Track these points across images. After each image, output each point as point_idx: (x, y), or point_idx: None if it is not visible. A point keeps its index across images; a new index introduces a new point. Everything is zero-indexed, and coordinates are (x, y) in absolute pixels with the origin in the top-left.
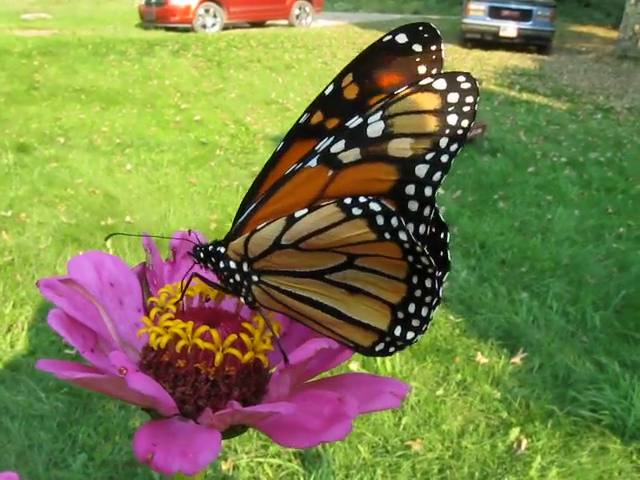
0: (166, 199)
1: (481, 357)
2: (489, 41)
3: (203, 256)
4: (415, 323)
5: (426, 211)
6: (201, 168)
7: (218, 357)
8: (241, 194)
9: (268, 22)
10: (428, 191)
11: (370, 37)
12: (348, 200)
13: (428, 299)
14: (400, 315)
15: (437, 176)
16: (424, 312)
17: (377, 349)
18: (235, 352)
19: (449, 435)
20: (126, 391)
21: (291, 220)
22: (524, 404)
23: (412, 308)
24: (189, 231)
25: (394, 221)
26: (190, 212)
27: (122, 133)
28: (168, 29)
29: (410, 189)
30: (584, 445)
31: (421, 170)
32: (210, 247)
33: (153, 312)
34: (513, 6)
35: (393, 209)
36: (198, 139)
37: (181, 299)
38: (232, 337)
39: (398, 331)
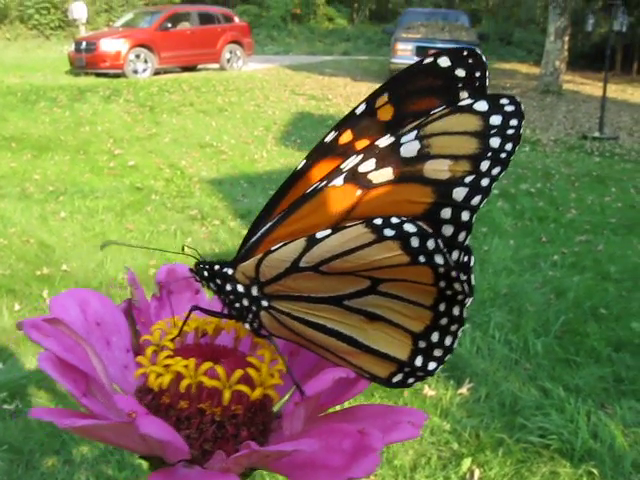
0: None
1: (428, 390)
2: None
3: (207, 275)
4: (437, 353)
5: (461, 236)
6: (137, 213)
7: (226, 395)
8: (179, 238)
9: (199, 66)
10: (465, 215)
11: (302, 78)
12: (379, 221)
13: (454, 328)
14: (422, 344)
15: (476, 200)
16: (448, 341)
17: (394, 380)
18: (244, 388)
19: (402, 470)
20: (129, 437)
21: (312, 241)
22: (474, 434)
23: (435, 337)
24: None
25: (430, 243)
26: (128, 258)
27: (55, 180)
28: (99, 75)
29: (446, 213)
30: (535, 471)
31: (459, 193)
32: (216, 267)
33: (149, 350)
34: (439, 45)
35: (429, 231)
36: (133, 184)
37: (179, 335)
38: (239, 373)
39: (419, 361)
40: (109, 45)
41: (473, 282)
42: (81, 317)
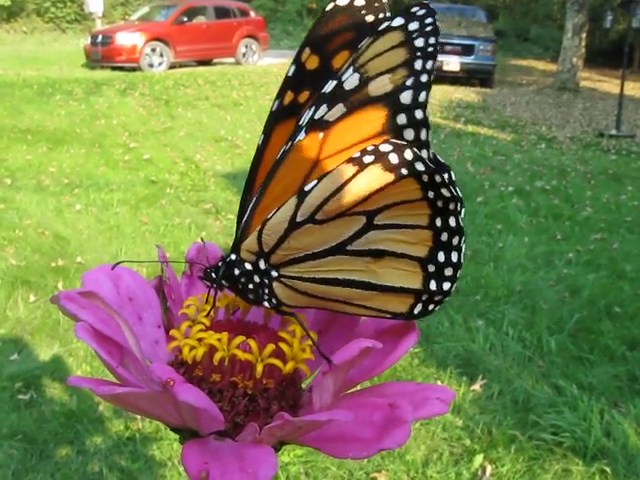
0: (117, 239)
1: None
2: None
3: (215, 275)
4: (448, 272)
5: (423, 134)
6: (152, 207)
7: (259, 368)
8: (193, 231)
9: (215, 60)
10: (419, 114)
11: None
12: (357, 154)
13: (456, 241)
14: (431, 268)
15: (422, 96)
16: (454, 257)
17: (416, 312)
18: (276, 362)
19: (414, 465)
20: (164, 407)
21: (302, 194)
22: (486, 430)
23: (442, 256)
24: (202, 240)
25: (408, 154)
26: (142, 251)
27: (70, 173)
28: (114, 68)
29: (402, 118)
30: (547, 468)
31: (406, 96)
32: (219, 263)
33: (184, 325)
34: (456, 41)
35: (404, 143)
36: (148, 178)
37: (211, 310)
38: (271, 347)
39: (433, 285)
40: (125, 39)
41: (460, 194)
42: (114, 292)
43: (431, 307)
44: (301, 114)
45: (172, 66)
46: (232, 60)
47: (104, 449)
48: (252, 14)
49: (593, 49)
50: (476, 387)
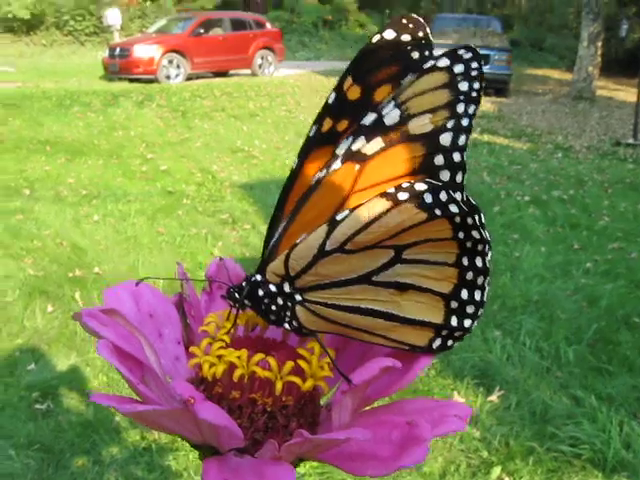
0: (134, 249)
1: (458, 397)
2: None
3: (238, 295)
4: (470, 310)
5: (458, 178)
6: (169, 217)
7: (278, 385)
8: (210, 242)
9: (231, 72)
10: (457, 157)
11: (332, 84)
12: (391, 189)
13: (480, 280)
14: (454, 304)
15: (462, 140)
16: (477, 296)
17: (435, 346)
18: (295, 380)
19: (431, 477)
20: (184, 424)
21: (333, 223)
22: (504, 442)
23: (465, 294)
24: (220, 259)
25: (443, 195)
26: (159, 261)
27: (88, 184)
28: (132, 80)
29: (439, 159)
30: None
31: (445, 138)
32: (243, 283)
33: (204, 342)
34: None
35: (439, 184)
36: (165, 188)
37: (232, 327)
38: (290, 364)
39: (454, 321)
40: (142, 51)
41: (488, 237)
42: (135, 309)
43: (450, 342)
44: (338, 143)
45: (189, 78)
46: (248, 71)
47: (120, 459)
48: (268, 26)
49: (609, 58)
50: (493, 398)
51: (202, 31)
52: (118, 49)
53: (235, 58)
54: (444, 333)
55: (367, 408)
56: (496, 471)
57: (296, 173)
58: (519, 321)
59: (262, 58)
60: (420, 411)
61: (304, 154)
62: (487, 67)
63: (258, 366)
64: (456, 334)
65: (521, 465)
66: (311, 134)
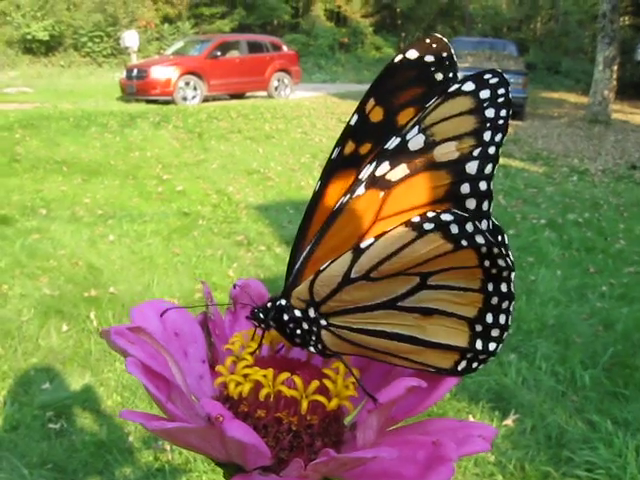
0: (150, 269)
1: (473, 420)
2: None
3: (263, 316)
4: (495, 333)
5: (485, 206)
6: (184, 238)
7: (304, 404)
8: (225, 263)
9: (248, 94)
10: (483, 185)
11: (348, 107)
12: (416, 218)
13: (505, 304)
14: (478, 328)
15: (489, 168)
16: (502, 320)
17: (460, 368)
18: (321, 399)
19: None
20: (211, 442)
21: (358, 251)
22: (519, 466)
23: (490, 318)
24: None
25: (469, 226)
26: (174, 282)
27: (104, 204)
28: (149, 102)
29: (465, 188)
30: None
31: (472, 167)
32: (268, 305)
33: (229, 360)
34: None
35: (465, 215)
36: (180, 209)
37: (259, 347)
38: (315, 384)
39: (479, 345)
40: (160, 72)
41: (512, 262)
42: (161, 327)
43: (475, 365)
44: (361, 167)
45: (205, 99)
46: (264, 94)
47: (133, 479)
48: (284, 48)
49: (624, 81)
50: (508, 422)
51: (219, 53)
52: (135, 70)
53: (251, 80)
54: (469, 356)
55: (392, 428)
56: None
57: (319, 196)
58: (534, 345)
59: (278, 80)
60: (444, 431)
61: (326, 176)
62: None
63: (284, 385)
64: (481, 357)
65: None
66: (333, 156)
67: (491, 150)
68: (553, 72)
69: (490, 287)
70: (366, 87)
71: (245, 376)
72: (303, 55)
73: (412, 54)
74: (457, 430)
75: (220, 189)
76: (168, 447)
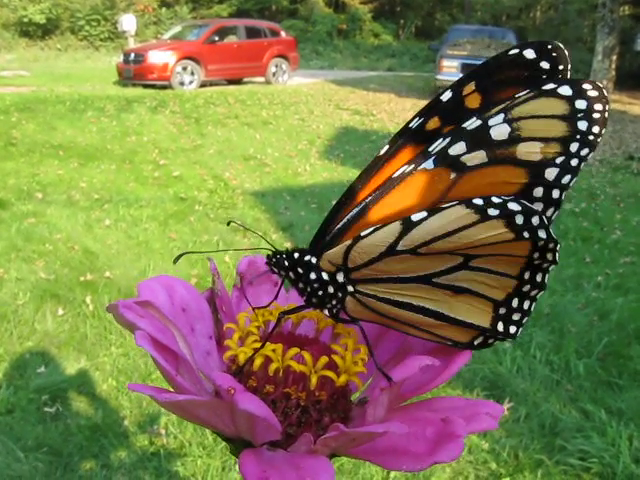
0: (146, 254)
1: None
2: None
3: (287, 265)
4: (516, 317)
5: (549, 212)
6: (180, 223)
7: (313, 380)
8: (221, 248)
9: (245, 79)
10: (556, 193)
11: (346, 93)
12: (480, 201)
13: (534, 293)
14: (502, 311)
15: (567, 179)
16: (526, 305)
17: (476, 343)
18: (330, 374)
19: None
20: (220, 416)
21: (409, 224)
22: (513, 454)
23: (515, 302)
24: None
25: (535, 220)
26: (170, 267)
27: (100, 189)
28: (146, 86)
29: (538, 192)
30: None
31: (551, 173)
32: (295, 254)
33: (236, 335)
34: None
35: (533, 208)
36: (177, 194)
37: (264, 323)
38: (324, 359)
39: (500, 327)
40: (157, 57)
41: (558, 257)
42: (168, 302)
43: (491, 341)
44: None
45: (203, 84)
46: (262, 79)
47: (128, 464)
48: (283, 34)
49: (623, 72)
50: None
51: (217, 38)
52: (132, 55)
53: (249, 66)
54: (487, 334)
55: (400, 405)
56: None
57: (382, 160)
58: (530, 334)
59: (276, 66)
60: (452, 409)
61: (398, 143)
62: None
63: (293, 360)
64: (499, 336)
65: (530, 477)
66: (413, 126)
67: (574, 162)
68: None
69: (526, 275)
70: (364, 74)
71: (255, 350)
72: (301, 41)
73: (530, 54)
74: (465, 408)
75: (217, 175)
76: (163, 431)
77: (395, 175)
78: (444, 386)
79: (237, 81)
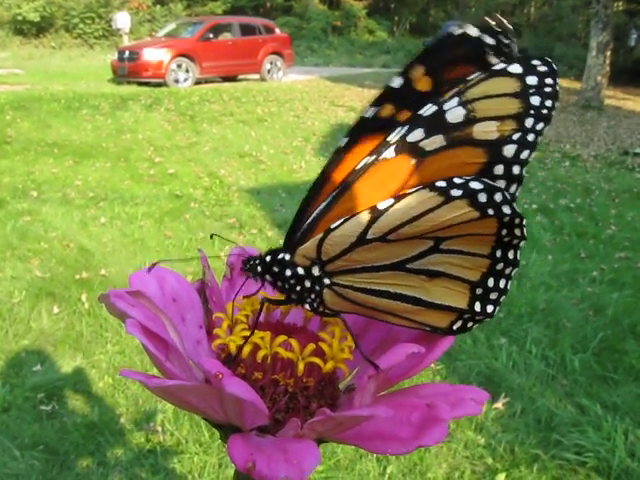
0: (141, 252)
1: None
2: None
3: (261, 269)
4: (493, 296)
5: (512, 189)
6: (176, 221)
7: (300, 366)
8: (217, 246)
9: (240, 77)
10: (516, 169)
11: (341, 90)
12: (442, 183)
13: (508, 270)
14: (479, 291)
15: (525, 154)
16: (502, 284)
17: (455, 328)
18: (317, 361)
19: None
20: (209, 401)
21: (376, 212)
22: (509, 449)
23: (491, 282)
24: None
25: (498, 196)
26: (166, 265)
27: (96, 187)
28: (141, 84)
29: (499, 169)
30: None
31: (509, 150)
32: (268, 258)
33: (225, 324)
34: None
35: (495, 185)
36: (172, 192)
37: (252, 312)
38: (311, 346)
39: (478, 307)
40: (151, 54)
41: (526, 232)
42: (159, 292)
43: (470, 324)
44: (392, 128)
45: (197, 82)
46: (257, 76)
47: (125, 461)
48: (277, 31)
49: (617, 67)
50: (498, 405)
51: (211, 36)
52: (127, 52)
53: (244, 63)
54: (466, 317)
55: (386, 392)
56: (500, 478)
57: (341, 154)
58: (525, 329)
59: (271, 63)
60: (437, 395)
61: (354, 136)
62: None
63: (281, 347)
64: (477, 318)
65: (526, 472)
66: (367, 115)
67: (530, 137)
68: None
69: (498, 253)
70: (359, 71)
71: (244, 338)
72: (296, 38)
73: (473, 31)
74: (450, 394)
75: (212, 172)
76: (160, 428)
77: (358, 167)
78: (440, 381)
79: (232, 78)
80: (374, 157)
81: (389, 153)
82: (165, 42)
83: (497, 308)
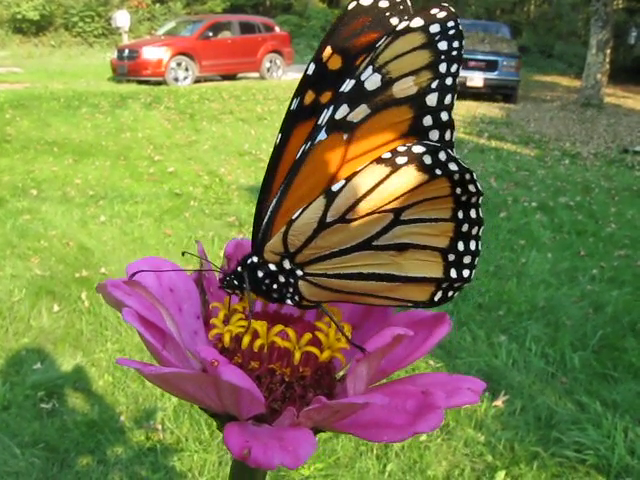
0: (141, 250)
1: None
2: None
3: (237, 282)
4: (467, 260)
5: (447, 135)
6: (175, 219)
7: (297, 355)
8: (217, 244)
9: (240, 75)
10: (444, 116)
11: None
12: (387, 154)
13: (475, 230)
14: (451, 257)
15: (448, 99)
16: (473, 246)
17: (436, 299)
18: (314, 350)
19: None
20: (205, 390)
21: (330, 195)
22: (508, 447)
23: (461, 246)
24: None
25: (442, 155)
26: None
27: (95, 185)
28: (140, 82)
29: (427, 120)
30: None
31: (432, 99)
32: (238, 269)
33: (222, 314)
34: (479, 57)
35: (437, 144)
36: (172, 190)
37: (249, 306)
38: (308, 336)
39: (454, 273)
40: (151, 53)
41: (481, 187)
42: (156, 282)
43: (450, 293)
44: (319, 112)
45: (197, 80)
46: (256, 75)
47: (125, 459)
48: (277, 29)
49: (617, 65)
50: (498, 403)
51: (211, 34)
52: (127, 51)
53: (243, 61)
54: (444, 285)
55: (382, 382)
56: (500, 475)
57: (281, 148)
58: (525, 327)
59: (270, 61)
60: (433, 384)
61: (287, 128)
62: (495, 73)
63: (277, 336)
64: (456, 285)
65: (525, 470)
66: (292, 107)
67: (448, 81)
68: (546, 55)
69: (460, 215)
70: None
71: (241, 327)
72: (295, 36)
73: (366, 1)
74: (446, 383)
75: (212, 170)
76: (160, 427)
77: (297, 157)
78: None
79: (231, 77)
80: (309, 143)
81: (322, 135)
82: (165, 40)
83: (473, 271)
